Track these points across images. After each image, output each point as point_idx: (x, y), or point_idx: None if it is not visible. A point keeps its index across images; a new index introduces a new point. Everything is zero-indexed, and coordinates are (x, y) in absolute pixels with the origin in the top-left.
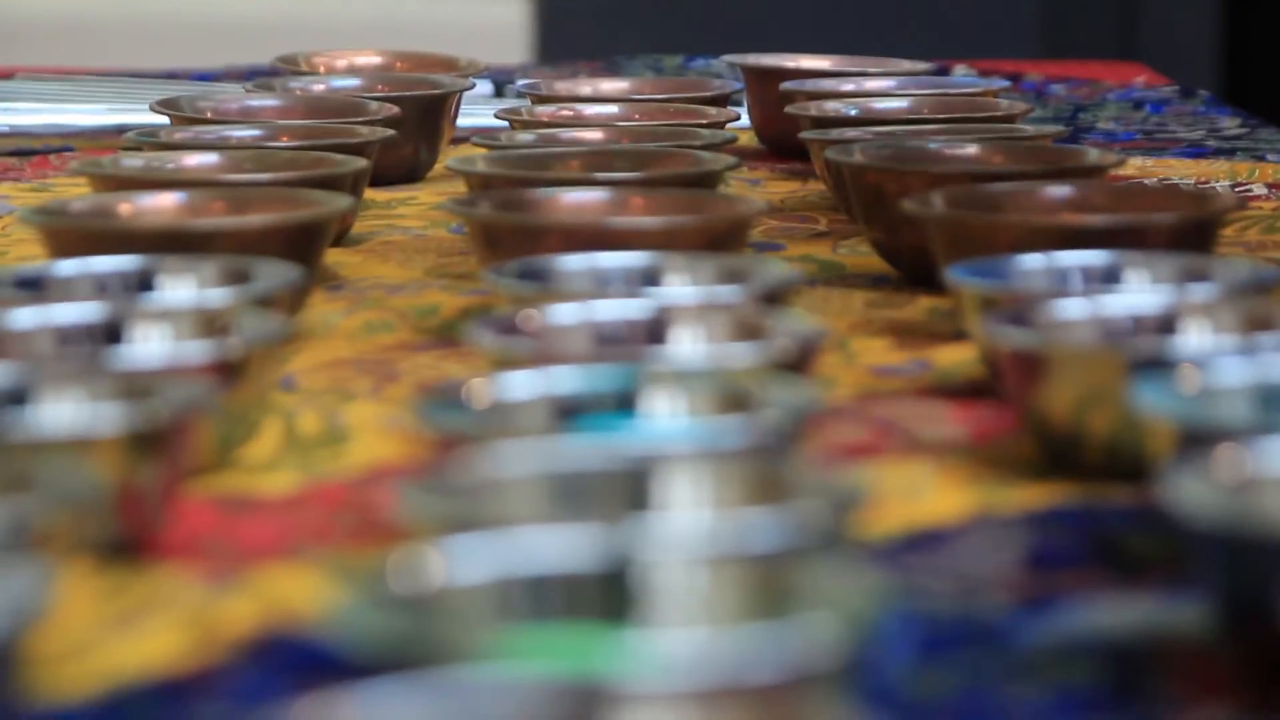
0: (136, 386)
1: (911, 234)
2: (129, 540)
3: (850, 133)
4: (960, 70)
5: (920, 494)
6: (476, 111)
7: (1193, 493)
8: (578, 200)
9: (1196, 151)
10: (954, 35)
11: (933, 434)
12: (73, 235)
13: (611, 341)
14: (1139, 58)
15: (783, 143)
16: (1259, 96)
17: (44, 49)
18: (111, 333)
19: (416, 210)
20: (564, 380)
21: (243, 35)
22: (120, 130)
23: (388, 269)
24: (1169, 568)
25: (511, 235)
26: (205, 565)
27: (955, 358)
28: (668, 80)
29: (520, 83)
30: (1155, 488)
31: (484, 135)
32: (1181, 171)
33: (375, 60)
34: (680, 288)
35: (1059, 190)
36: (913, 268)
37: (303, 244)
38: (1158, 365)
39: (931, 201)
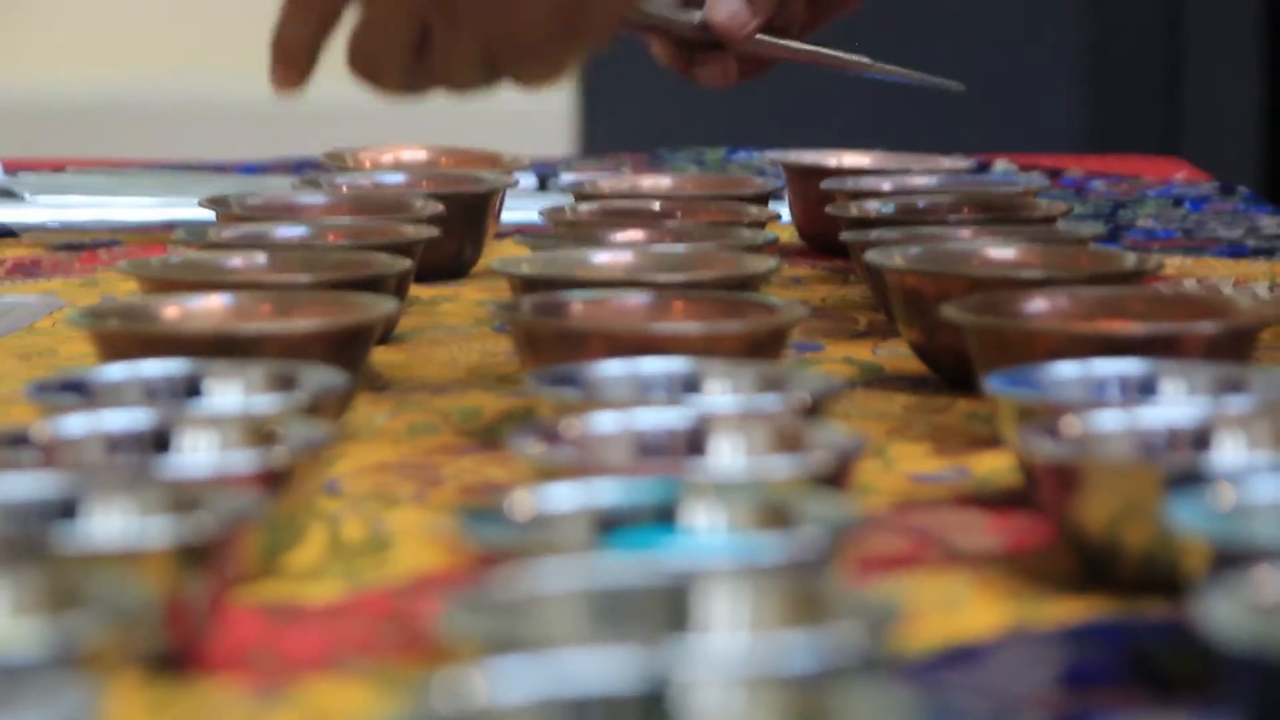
0: (184, 497)
1: (950, 337)
2: (176, 652)
3: (890, 233)
4: (1001, 165)
5: (956, 608)
6: (521, 205)
7: (1227, 613)
8: (619, 305)
9: (1236, 251)
10: (998, 127)
11: (969, 545)
12: (121, 339)
13: (652, 451)
14: (1182, 149)
15: (824, 240)
16: None
17: (91, 135)
18: (159, 440)
19: (460, 308)
20: (605, 493)
21: (288, 122)
22: (169, 226)
23: (431, 369)
24: (1203, 687)
25: (553, 340)
26: (251, 678)
27: (993, 465)
28: (710, 177)
29: (564, 178)
30: (1190, 606)
31: (527, 234)
32: (1220, 272)
33: (421, 155)
34: (721, 397)
35: (1096, 294)
36: (951, 370)
37: (348, 347)
38: (1193, 480)
39: (970, 307)
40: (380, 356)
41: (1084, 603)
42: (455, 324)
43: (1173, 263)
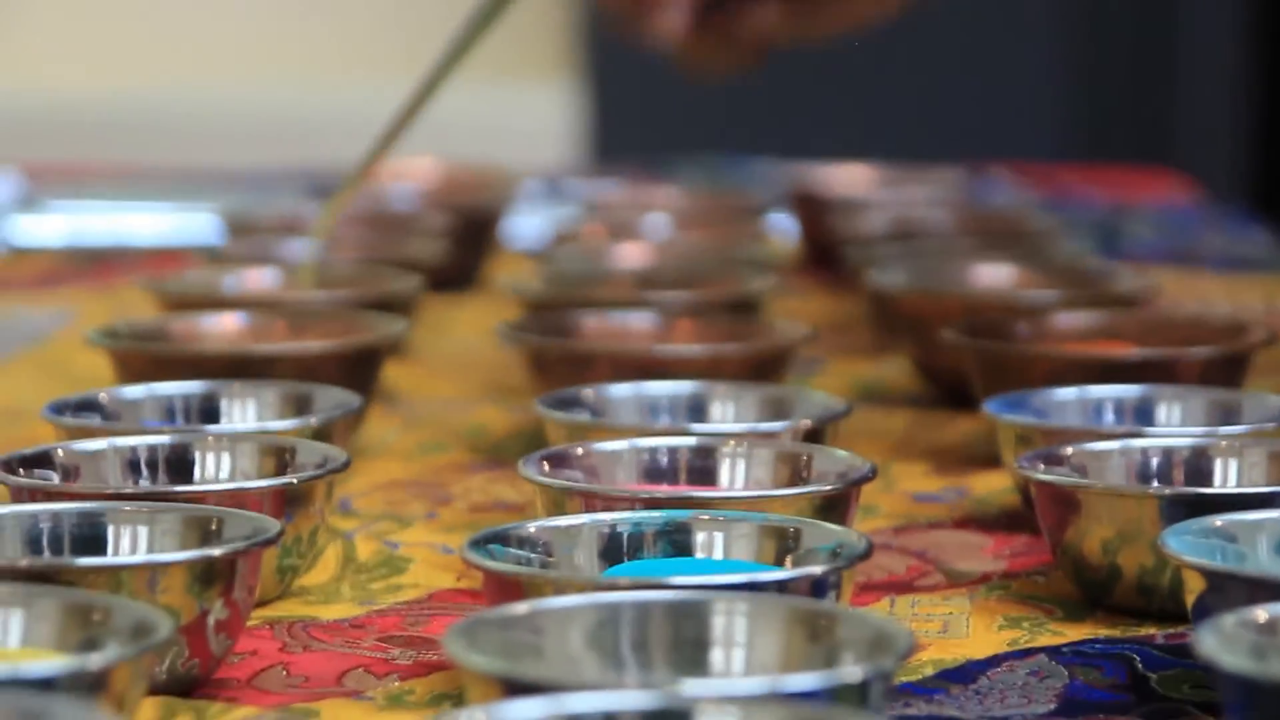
0: (203, 522)
1: (949, 356)
2: (194, 677)
3: (891, 248)
4: (995, 171)
5: (955, 632)
6: (531, 211)
7: (1224, 636)
8: (625, 325)
9: (1228, 263)
10: (991, 133)
11: (968, 567)
12: (139, 358)
13: (657, 476)
14: (1173, 155)
15: (826, 252)
16: None
17: (102, 140)
18: (178, 461)
19: (469, 318)
20: (611, 522)
21: (295, 129)
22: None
23: (440, 384)
24: (1201, 710)
25: (560, 361)
26: (268, 701)
27: (992, 485)
28: (714, 195)
29: (571, 187)
30: (1188, 630)
31: (535, 251)
32: (1213, 289)
33: (429, 165)
34: (725, 422)
35: (1092, 317)
36: (951, 387)
37: (360, 365)
38: (1188, 506)
39: (968, 329)
40: (391, 369)
41: (1081, 627)
42: (464, 335)
43: (1167, 278)
